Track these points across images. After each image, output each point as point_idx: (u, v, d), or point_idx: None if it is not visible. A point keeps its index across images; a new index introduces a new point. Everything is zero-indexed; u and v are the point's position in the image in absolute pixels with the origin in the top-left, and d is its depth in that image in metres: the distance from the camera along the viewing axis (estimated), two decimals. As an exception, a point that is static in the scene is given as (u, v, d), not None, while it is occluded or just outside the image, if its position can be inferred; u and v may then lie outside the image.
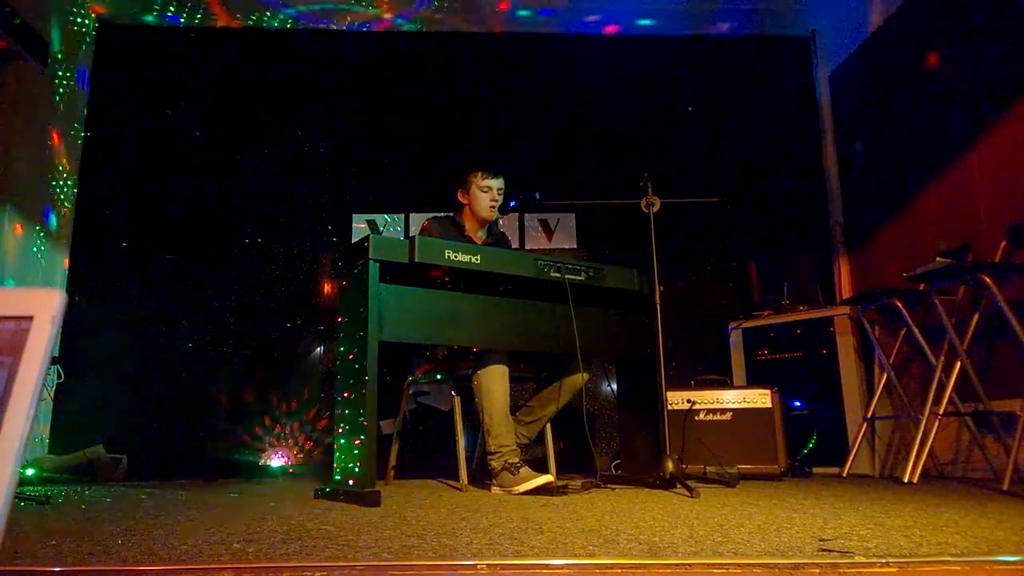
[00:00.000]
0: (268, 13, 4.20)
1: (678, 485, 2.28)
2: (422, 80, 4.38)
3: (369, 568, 1.02)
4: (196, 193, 4.11)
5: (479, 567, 1.03)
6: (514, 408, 2.69)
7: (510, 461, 2.39)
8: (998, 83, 3.01)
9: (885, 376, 3.11)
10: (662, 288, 2.76)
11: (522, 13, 4.26)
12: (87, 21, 4.08)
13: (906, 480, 2.60)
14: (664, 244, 2.74)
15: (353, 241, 4.01)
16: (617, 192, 3.16)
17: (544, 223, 4.23)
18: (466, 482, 2.54)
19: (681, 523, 1.49)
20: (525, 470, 2.36)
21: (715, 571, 1.01)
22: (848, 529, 1.39)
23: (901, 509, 1.76)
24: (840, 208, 4.25)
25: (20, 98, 3.50)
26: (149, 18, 4.18)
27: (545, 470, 2.60)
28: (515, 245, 4.09)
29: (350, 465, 2.11)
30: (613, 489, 2.41)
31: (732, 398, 3.10)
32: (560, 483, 2.40)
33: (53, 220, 3.77)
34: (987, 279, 2.49)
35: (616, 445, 3.80)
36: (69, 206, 3.90)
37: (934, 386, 2.76)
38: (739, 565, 1.03)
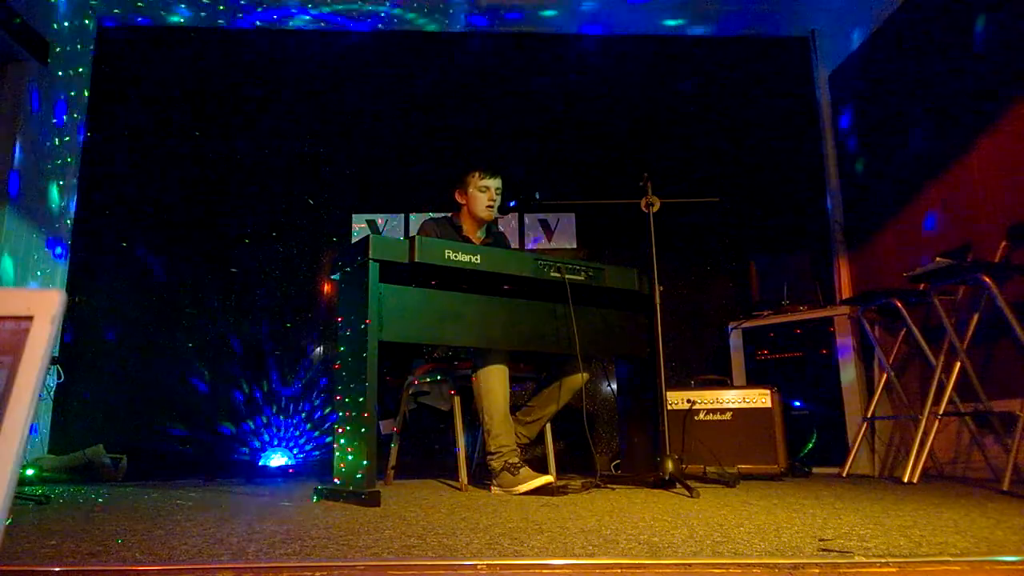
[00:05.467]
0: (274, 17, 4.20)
1: (678, 485, 2.28)
2: (422, 80, 4.38)
3: (369, 568, 1.02)
4: (196, 193, 4.12)
5: (479, 567, 1.03)
6: (514, 408, 2.69)
7: (510, 461, 2.39)
8: (998, 83, 3.01)
9: (885, 376, 3.11)
10: (662, 288, 2.76)
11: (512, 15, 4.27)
12: (87, 21, 4.09)
13: (906, 480, 2.60)
14: (664, 244, 2.74)
15: (353, 241, 4.01)
16: (617, 192, 3.16)
17: (544, 223, 4.23)
18: (466, 482, 2.54)
19: (681, 523, 1.49)
20: (525, 470, 2.36)
21: (715, 571, 1.01)
22: (848, 529, 1.39)
23: (901, 509, 1.75)
24: (840, 208, 4.25)
25: (20, 98, 3.50)
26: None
27: (545, 470, 2.60)
28: (515, 245, 4.09)
29: (350, 465, 2.11)
30: (613, 489, 2.41)
31: (732, 398, 3.10)
32: (560, 483, 2.40)
33: (53, 220, 3.76)
34: (987, 279, 2.49)
35: (616, 445, 3.81)
36: (69, 206, 3.90)
37: (934, 386, 2.76)
38: (739, 565, 1.03)
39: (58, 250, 3.81)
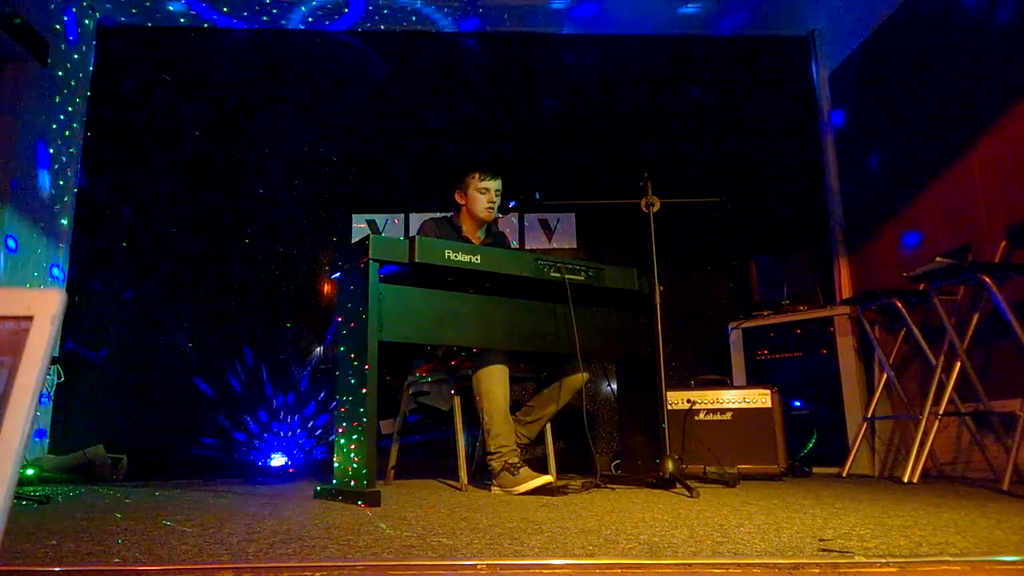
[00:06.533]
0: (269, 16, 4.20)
1: (678, 485, 2.28)
2: (422, 80, 4.38)
3: (369, 568, 1.02)
4: (196, 193, 4.12)
5: (479, 567, 1.03)
6: (514, 408, 2.69)
7: (510, 461, 2.39)
8: (998, 83, 3.01)
9: (885, 376, 3.11)
10: (662, 288, 2.76)
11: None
12: (87, 21, 4.08)
13: (906, 480, 2.60)
14: (664, 244, 2.74)
15: (353, 241, 4.01)
16: (617, 192, 3.16)
17: (544, 223, 4.23)
18: (466, 482, 2.54)
19: (681, 523, 1.49)
20: (525, 470, 2.36)
21: (715, 571, 1.01)
22: (848, 529, 1.39)
23: (901, 509, 1.76)
24: (840, 208, 4.25)
25: (20, 98, 3.50)
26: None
27: (545, 470, 2.60)
28: (515, 245, 4.09)
29: (350, 465, 2.11)
30: (613, 489, 2.41)
31: (732, 398, 3.10)
32: (560, 483, 2.40)
33: (53, 220, 3.76)
34: (987, 279, 2.49)
35: (616, 445, 3.81)
36: (69, 206, 3.90)
37: (934, 386, 2.76)
38: (739, 565, 1.03)
39: (58, 249, 3.80)
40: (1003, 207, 2.95)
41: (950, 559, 1.07)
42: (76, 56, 3.97)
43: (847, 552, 1.11)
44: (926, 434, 2.69)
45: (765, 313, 3.73)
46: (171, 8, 4.13)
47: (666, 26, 4.43)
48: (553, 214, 4.22)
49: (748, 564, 1.03)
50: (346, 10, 4.21)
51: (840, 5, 4.16)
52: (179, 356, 3.88)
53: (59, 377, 3.44)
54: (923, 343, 3.00)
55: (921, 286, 2.86)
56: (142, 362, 3.86)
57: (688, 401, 3.14)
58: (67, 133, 3.89)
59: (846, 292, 4.06)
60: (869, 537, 1.28)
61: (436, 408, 2.88)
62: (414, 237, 2.25)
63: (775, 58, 4.52)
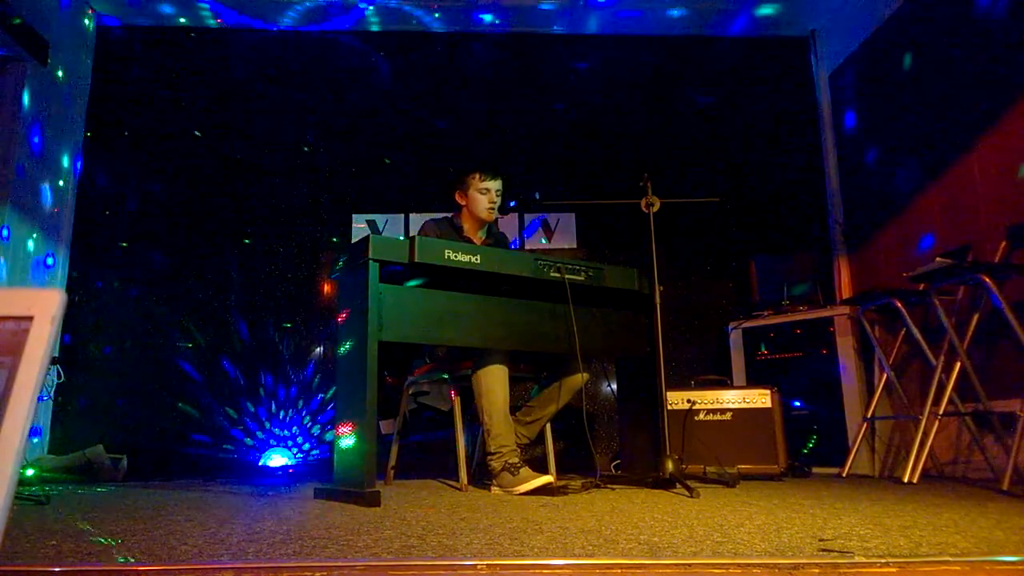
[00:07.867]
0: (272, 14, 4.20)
1: (678, 485, 2.28)
2: (422, 80, 4.38)
3: (369, 568, 1.02)
4: (196, 193, 4.12)
5: (479, 567, 1.03)
6: (514, 408, 2.69)
7: (510, 461, 2.39)
8: (998, 83, 3.01)
9: (885, 376, 3.11)
10: (662, 288, 2.76)
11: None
12: (87, 21, 4.09)
13: (906, 480, 2.60)
14: (664, 244, 2.74)
15: (353, 241, 4.01)
16: (617, 192, 3.17)
17: (544, 223, 4.23)
18: (466, 482, 2.54)
19: (681, 523, 1.49)
20: (525, 470, 2.36)
21: (715, 571, 1.01)
22: (848, 529, 1.39)
23: (901, 509, 1.75)
24: (840, 208, 4.25)
25: (20, 98, 3.50)
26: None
27: (545, 470, 2.60)
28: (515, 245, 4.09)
29: (350, 465, 2.11)
30: (613, 489, 2.41)
31: (732, 398, 3.10)
32: (560, 483, 2.40)
33: (53, 220, 3.76)
34: (987, 279, 2.49)
35: (616, 445, 3.81)
36: (69, 206, 3.90)
37: (934, 386, 2.76)
38: (739, 565, 1.03)
39: (58, 250, 3.80)
40: (1003, 207, 2.95)
41: (950, 559, 1.07)
42: (76, 56, 3.97)
43: (847, 552, 1.11)
44: (926, 434, 2.69)
45: (765, 313, 3.73)
46: (171, 8, 4.13)
47: (666, 27, 4.43)
48: (553, 214, 4.22)
49: (748, 564, 1.03)
50: (344, 10, 4.21)
51: (840, 5, 4.16)
52: (179, 356, 3.88)
53: (59, 377, 3.44)
54: (923, 343, 2.99)
55: (921, 286, 2.86)
56: (142, 362, 3.86)
57: (688, 401, 3.14)
58: (67, 133, 3.90)
59: (846, 292, 4.06)
60: (869, 537, 1.28)
61: (436, 408, 2.87)
62: (414, 237, 2.25)
63: (775, 58, 4.52)
